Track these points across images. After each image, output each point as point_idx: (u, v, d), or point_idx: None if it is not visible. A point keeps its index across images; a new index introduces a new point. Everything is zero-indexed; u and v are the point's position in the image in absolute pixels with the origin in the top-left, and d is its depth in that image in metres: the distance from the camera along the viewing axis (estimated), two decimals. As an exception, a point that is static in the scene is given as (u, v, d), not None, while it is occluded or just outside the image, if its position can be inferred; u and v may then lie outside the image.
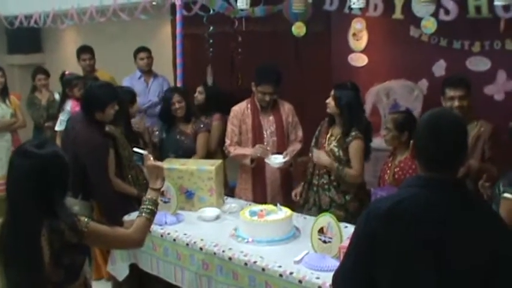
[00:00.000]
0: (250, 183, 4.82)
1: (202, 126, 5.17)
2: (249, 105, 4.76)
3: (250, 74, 4.94)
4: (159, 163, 3.01)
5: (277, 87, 4.62)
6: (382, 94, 5.47)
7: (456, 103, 3.90)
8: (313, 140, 4.44)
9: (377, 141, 5.27)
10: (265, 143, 4.69)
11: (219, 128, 5.32)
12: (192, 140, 5.08)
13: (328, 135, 4.31)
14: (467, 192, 2.20)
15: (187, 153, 5.00)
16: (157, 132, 5.19)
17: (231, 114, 4.80)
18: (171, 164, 4.34)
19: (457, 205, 2.10)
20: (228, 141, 4.76)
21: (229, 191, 5.05)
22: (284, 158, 4.49)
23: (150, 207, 2.79)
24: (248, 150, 4.65)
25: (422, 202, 2.09)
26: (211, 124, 5.31)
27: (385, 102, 5.45)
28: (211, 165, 4.27)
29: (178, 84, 5.52)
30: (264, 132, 4.71)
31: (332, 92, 4.21)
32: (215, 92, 5.53)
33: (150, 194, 2.86)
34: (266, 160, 4.51)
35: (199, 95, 5.47)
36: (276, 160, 4.49)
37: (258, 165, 4.70)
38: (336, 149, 4.21)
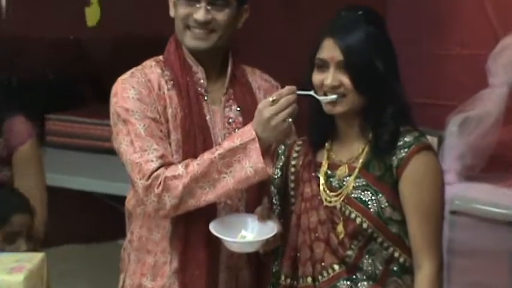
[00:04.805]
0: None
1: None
2: (165, 72, 1.94)
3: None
4: None
5: None
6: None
7: None
8: (275, 182, 1.86)
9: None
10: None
11: (35, 156, 2.44)
12: None
13: (324, 167, 1.75)
14: None
15: None
16: None
17: (131, 92, 1.82)
18: None
19: None
20: (160, 156, 1.80)
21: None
22: (273, 224, 1.78)
23: None
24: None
25: None
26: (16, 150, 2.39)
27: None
28: (14, 273, 1.60)
29: None
30: (213, 134, 1.89)
31: (329, 43, 1.64)
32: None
33: None
34: (226, 239, 1.76)
35: None
36: (252, 235, 1.79)
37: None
38: (368, 193, 1.65)
